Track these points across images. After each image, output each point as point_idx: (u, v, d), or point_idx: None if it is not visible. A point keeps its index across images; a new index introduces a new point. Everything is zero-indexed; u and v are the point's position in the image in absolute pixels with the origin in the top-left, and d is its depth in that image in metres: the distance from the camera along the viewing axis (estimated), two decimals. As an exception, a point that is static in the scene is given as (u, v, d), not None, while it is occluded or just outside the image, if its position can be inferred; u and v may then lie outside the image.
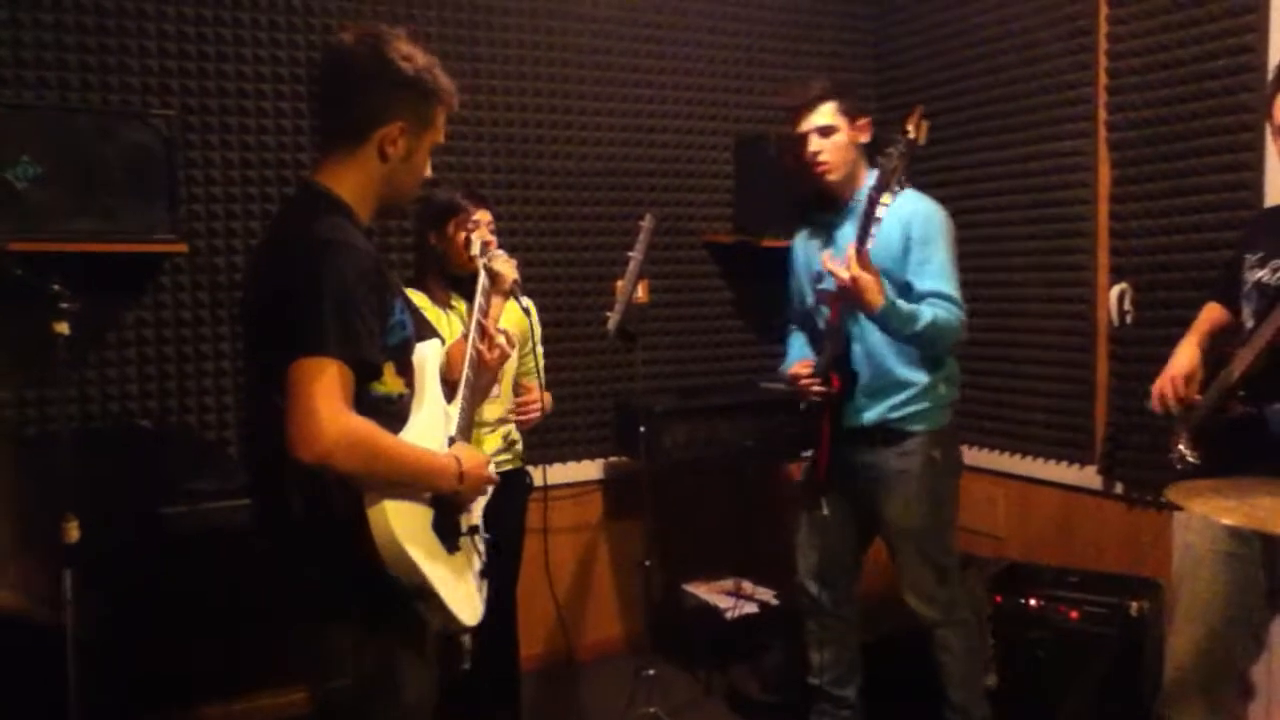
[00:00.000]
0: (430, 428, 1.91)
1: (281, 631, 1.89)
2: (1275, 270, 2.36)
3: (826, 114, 2.98)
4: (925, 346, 2.95)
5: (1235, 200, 3.17)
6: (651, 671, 3.43)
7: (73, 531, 2.55)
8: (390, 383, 1.83)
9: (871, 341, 2.99)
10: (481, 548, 2.03)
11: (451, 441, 1.97)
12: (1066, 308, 3.74)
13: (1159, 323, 3.38)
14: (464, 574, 1.94)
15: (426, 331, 2.01)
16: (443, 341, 2.07)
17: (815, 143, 2.99)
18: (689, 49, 4.26)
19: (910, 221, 2.93)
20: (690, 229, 4.32)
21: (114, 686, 2.89)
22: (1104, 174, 3.59)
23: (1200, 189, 3.27)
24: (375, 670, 1.81)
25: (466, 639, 1.98)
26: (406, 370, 1.88)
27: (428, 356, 1.94)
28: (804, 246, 3.22)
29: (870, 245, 2.74)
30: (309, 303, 1.68)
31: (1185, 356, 2.51)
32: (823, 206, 3.14)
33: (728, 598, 4.05)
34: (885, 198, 2.70)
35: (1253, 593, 2.40)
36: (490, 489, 2.05)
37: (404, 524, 1.75)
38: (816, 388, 2.99)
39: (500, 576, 3.08)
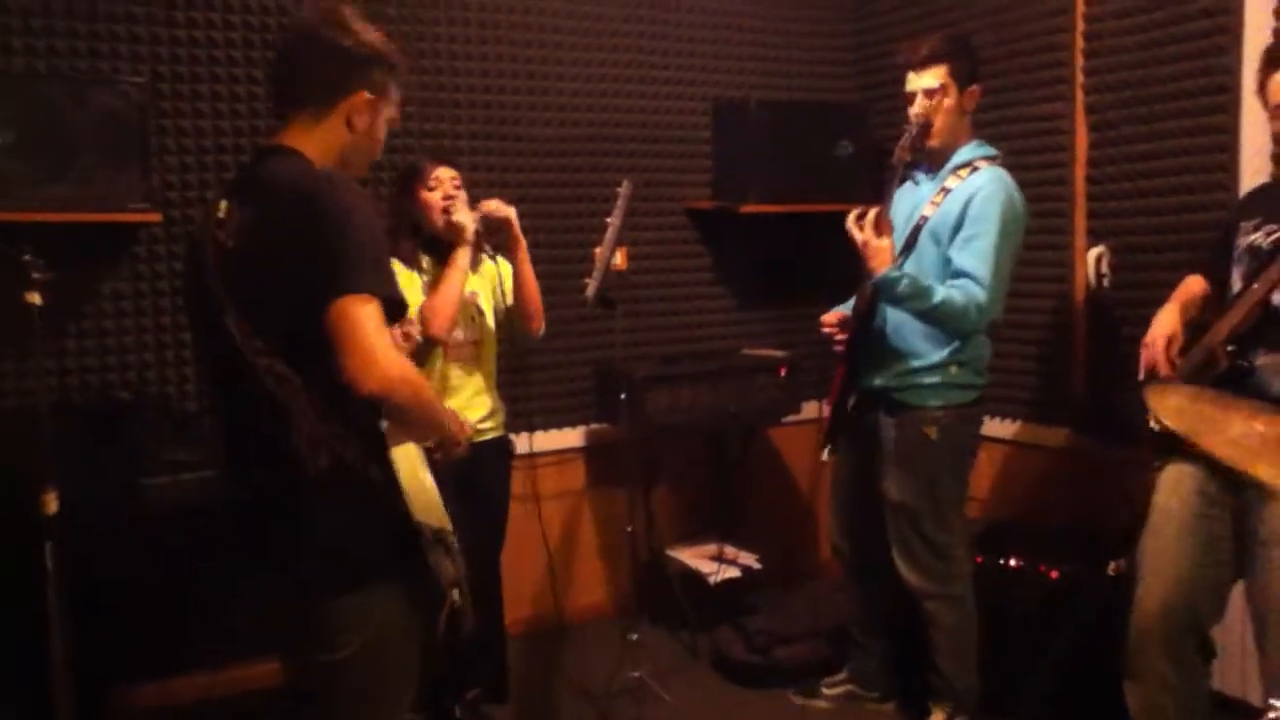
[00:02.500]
0: None
1: (268, 600, 1.89)
2: (1270, 234, 2.40)
3: (938, 75, 2.93)
4: (934, 325, 2.92)
5: (1211, 163, 3.18)
6: (635, 635, 3.46)
7: (52, 503, 2.54)
8: None
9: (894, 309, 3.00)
10: None
11: None
12: (1045, 271, 3.75)
13: (1136, 285, 3.40)
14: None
15: None
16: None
17: (920, 104, 2.94)
18: (667, 13, 4.23)
19: (973, 196, 2.89)
20: (669, 195, 4.30)
21: (97, 658, 2.89)
22: (1081, 137, 3.60)
23: (1177, 151, 3.28)
24: (386, 636, 1.82)
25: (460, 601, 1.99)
26: None
27: None
28: (898, 198, 3.09)
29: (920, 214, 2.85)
30: (343, 242, 1.69)
31: (1167, 320, 2.53)
32: (916, 163, 3.12)
33: (711, 562, 4.08)
34: (963, 170, 2.86)
35: (1218, 554, 2.44)
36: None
37: (422, 466, 1.83)
38: (838, 337, 3.08)
39: (485, 542, 3.11)
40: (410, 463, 1.78)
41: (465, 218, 2.88)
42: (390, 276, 1.75)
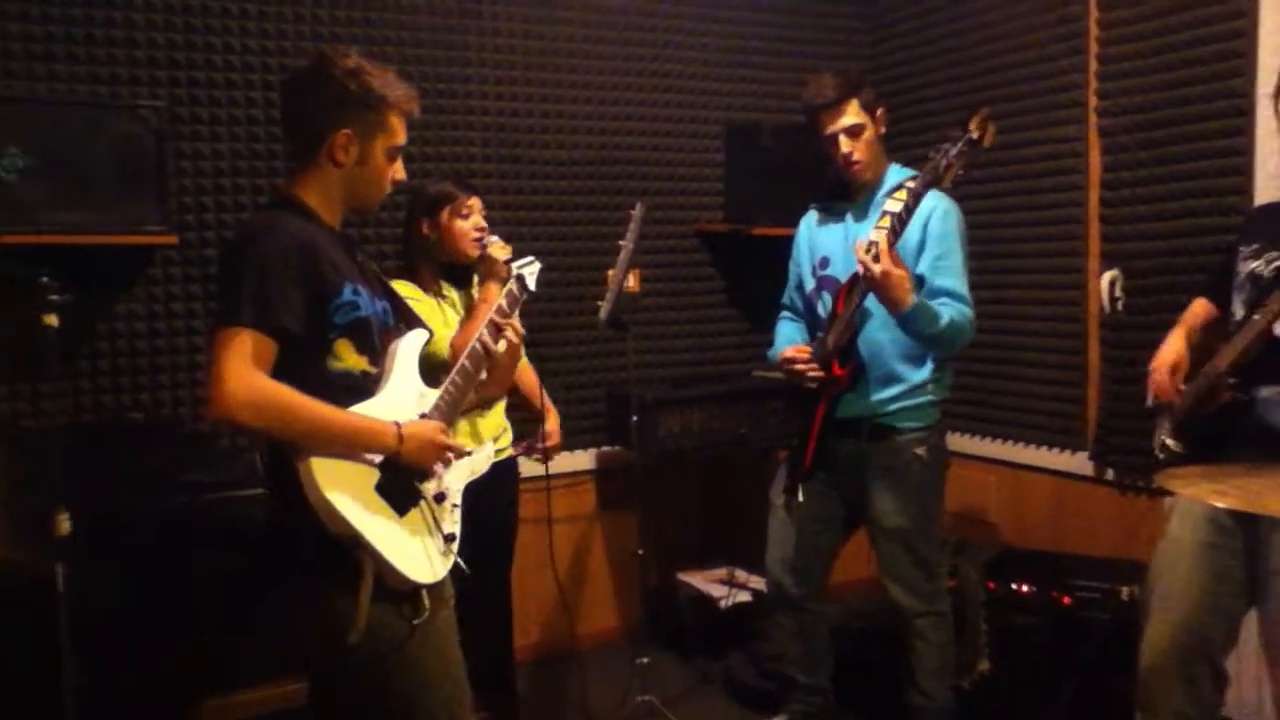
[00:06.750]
0: (394, 405, 1.98)
1: (272, 615, 1.96)
2: (1270, 262, 2.37)
3: (853, 113, 2.94)
4: (939, 348, 2.92)
5: (1225, 186, 3.17)
6: (645, 659, 3.44)
7: (64, 525, 2.54)
8: (347, 358, 1.94)
9: (871, 334, 2.96)
10: (453, 516, 2.08)
11: (424, 419, 2.02)
12: (1058, 294, 3.75)
13: (1150, 309, 3.39)
14: (416, 534, 1.96)
15: (411, 323, 2.14)
16: (431, 334, 2.16)
17: (846, 143, 2.95)
18: (679, 37, 4.25)
19: (930, 216, 2.89)
20: (681, 218, 4.31)
21: (110, 682, 2.88)
22: (1094, 161, 3.60)
23: (1190, 175, 3.28)
24: (368, 630, 1.87)
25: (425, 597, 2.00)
26: (368, 349, 1.98)
27: (404, 346, 2.06)
28: (810, 231, 3.18)
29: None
30: (227, 278, 1.88)
31: (1171, 348, 2.51)
32: (840, 194, 3.12)
33: (722, 586, 4.07)
34: (900, 193, 2.70)
35: (1229, 583, 2.41)
36: (476, 465, 2.17)
37: (332, 479, 1.83)
38: (814, 374, 2.96)
39: (493, 565, 3.11)
40: (309, 472, 1.82)
41: (501, 253, 2.81)
42: (277, 310, 1.82)
